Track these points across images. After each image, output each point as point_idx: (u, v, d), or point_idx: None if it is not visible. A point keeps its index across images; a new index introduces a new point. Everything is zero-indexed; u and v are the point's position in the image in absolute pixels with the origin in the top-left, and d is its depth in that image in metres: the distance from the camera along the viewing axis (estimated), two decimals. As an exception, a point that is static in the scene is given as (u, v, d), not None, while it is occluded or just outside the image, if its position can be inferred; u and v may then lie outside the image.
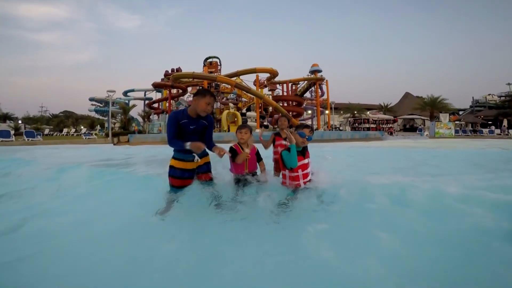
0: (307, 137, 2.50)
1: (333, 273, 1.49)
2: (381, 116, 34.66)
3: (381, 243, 1.77)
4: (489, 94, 53.12)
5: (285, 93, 27.69)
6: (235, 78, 23.22)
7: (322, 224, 2.00)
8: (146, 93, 35.97)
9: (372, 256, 1.60)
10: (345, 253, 1.65)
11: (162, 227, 2.24)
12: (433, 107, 30.73)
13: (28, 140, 20.34)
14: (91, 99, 39.27)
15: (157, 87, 27.46)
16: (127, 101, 34.85)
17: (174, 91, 26.82)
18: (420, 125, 35.71)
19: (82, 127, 46.19)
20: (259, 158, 2.85)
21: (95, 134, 31.02)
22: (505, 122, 31.69)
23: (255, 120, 23.06)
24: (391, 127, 31.45)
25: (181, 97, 27.83)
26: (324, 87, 28.29)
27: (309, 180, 2.59)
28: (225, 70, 26.59)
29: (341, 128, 36.32)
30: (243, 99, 28.33)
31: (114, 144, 14.90)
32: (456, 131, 22.03)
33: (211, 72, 25.81)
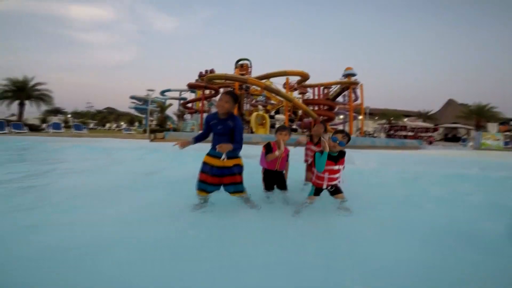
0: (338, 142, 2.53)
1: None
2: (420, 123, 32.54)
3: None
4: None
5: (316, 97, 27.23)
6: (265, 80, 23.40)
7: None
8: (181, 93, 37.62)
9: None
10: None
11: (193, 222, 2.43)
12: (479, 116, 28.19)
13: (75, 132, 22.39)
14: (131, 97, 41.99)
15: (191, 87, 28.66)
16: (164, 100, 36.78)
17: (207, 91, 27.79)
18: (464, 135, 32.88)
19: (122, 123, 49.49)
20: (287, 159, 3.09)
21: (134, 130, 33.15)
22: None
23: (284, 123, 23.00)
24: (430, 136, 29.30)
25: (213, 98, 28.69)
26: (358, 91, 27.33)
27: (335, 185, 2.65)
28: (257, 72, 26.91)
29: (375, 135, 34.74)
30: (272, 102, 28.40)
31: (151, 141, 15.79)
32: (506, 143, 19.88)
33: (242, 75, 26.29)
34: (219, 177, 2.65)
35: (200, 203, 2.69)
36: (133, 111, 46.30)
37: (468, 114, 29.96)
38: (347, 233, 2.24)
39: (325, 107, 25.67)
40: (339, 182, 2.67)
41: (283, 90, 24.05)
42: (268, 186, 3.01)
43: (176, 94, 38.53)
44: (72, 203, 2.88)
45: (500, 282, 1.61)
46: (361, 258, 1.79)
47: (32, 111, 28.17)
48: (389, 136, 30.67)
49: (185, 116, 33.51)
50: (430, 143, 25.91)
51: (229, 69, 32.26)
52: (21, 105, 24.65)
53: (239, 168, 2.72)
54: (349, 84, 25.84)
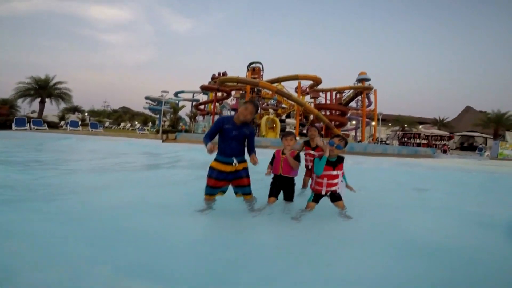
0: (336, 145, 2.58)
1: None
2: (435, 131, 31.67)
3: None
4: None
5: (328, 102, 27.05)
6: (276, 84, 23.47)
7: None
8: (194, 95, 38.20)
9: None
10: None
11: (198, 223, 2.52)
12: (498, 124, 27.23)
13: (92, 130, 23.09)
14: (146, 98, 42.93)
15: (204, 89, 29.13)
16: (177, 102, 37.44)
17: (219, 94, 28.17)
18: (481, 144, 31.78)
19: (136, 122, 50.57)
20: (298, 160, 2.91)
21: (147, 130, 33.89)
22: None
23: (294, 127, 22.96)
24: (445, 144, 28.47)
25: (225, 100, 29.03)
26: (372, 96, 26.96)
27: (334, 191, 2.70)
28: (269, 75, 26.98)
29: (387, 141, 34.08)
30: (283, 105, 28.46)
31: (163, 141, 16.13)
32: (526, 154, 19.12)
33: (254, 78, 26.47)
34: (227, 181, 2.76)
35: (207, 207, 2.72)
36: (147, 111, 47.29)
37: (486, 122, 28.92)
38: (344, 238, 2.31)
39: (337, 112, 25.46)
40: (338, 188, 2.71)
41: (295, 94, 24.05)
42: (272, 191, 2.94)
43: (189, 96, 39.17)
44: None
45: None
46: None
47: (52, 109, 29.34)
48: (402, 143, 30.05)
49: (197, 117, 34.01)
50: (445, 151, 25.17)
51: (241, 72, 32.55)
52: (42, 102, 25.70)
53: (246, 171, 2.83)
54: (362, 89, 25.55)
